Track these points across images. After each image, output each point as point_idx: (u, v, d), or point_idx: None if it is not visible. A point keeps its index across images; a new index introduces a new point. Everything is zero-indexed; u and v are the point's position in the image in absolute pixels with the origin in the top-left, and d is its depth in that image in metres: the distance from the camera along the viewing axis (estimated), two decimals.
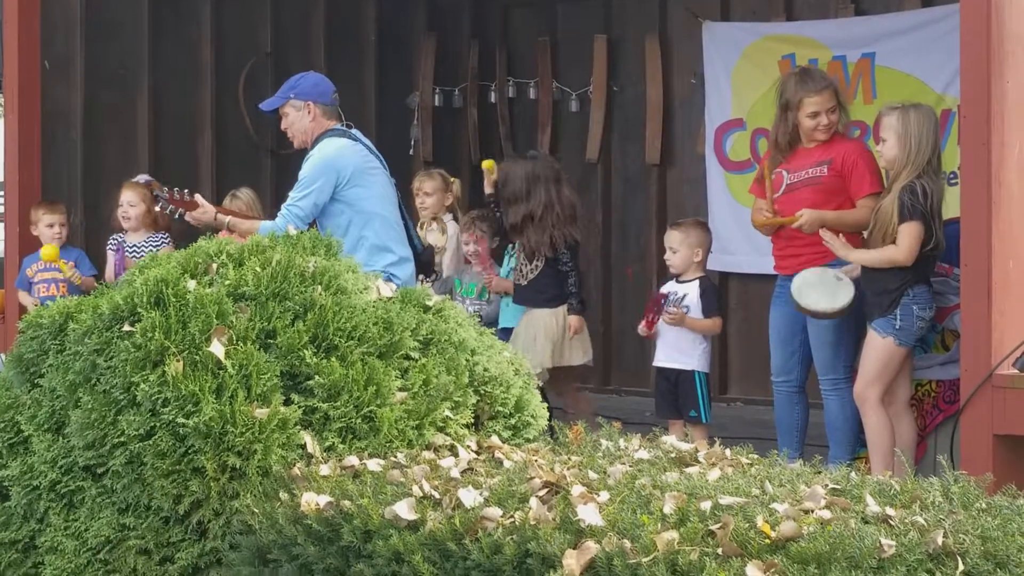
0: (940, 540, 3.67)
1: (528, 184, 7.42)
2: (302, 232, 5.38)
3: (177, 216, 6.84)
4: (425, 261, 7.10)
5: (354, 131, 6.88)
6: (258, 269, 4.76)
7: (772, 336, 6.74)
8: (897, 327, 6.07)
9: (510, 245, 7.81)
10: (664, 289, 7.11)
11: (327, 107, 6.81)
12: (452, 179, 8.32)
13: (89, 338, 4.60)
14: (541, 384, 7.05)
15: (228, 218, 6.83)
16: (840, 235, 6.25)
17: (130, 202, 8.04)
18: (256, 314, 4.63)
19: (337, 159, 6.66)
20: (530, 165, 7.55)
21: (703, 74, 9.83)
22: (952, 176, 7.81)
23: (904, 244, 6.00)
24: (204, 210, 6.78)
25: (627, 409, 9.21)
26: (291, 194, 6.69)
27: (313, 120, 6.77)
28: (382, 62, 10.64)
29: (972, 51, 5.52)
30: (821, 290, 6.27)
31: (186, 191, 6.81)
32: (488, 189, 7.68)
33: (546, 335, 7.37)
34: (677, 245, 7.03)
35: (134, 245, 8.01)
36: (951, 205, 6.36)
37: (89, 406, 4.45)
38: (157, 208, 6.83)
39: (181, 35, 9.59)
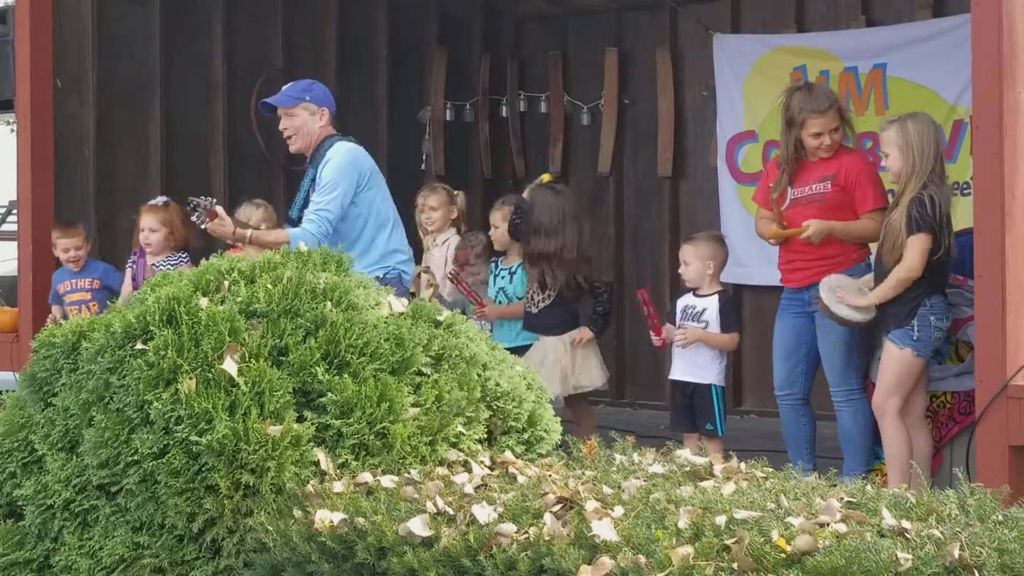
0: (957, 553, 3.65)
1: (561, 220, 7.41)
2: (312, 249, 5.38)
3: (204, 226, 6.84)
4: None
5: (349, 137, 7.11)
6: (269, 286, 4.76)
7: (776, 349, 6.72)
8: (915, 338, 6.05)
9: (494, 263, 7.78)
10: (682, 302, 7.08)
11: (332, 117, 7.04)
12: (456, 192, 8.33)
13: (102, 357, 4.61)
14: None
15: (249, 232, 6.87)
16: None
17: (151, 227, 8.03)
18: (268, 331, 4.63)
19: (357, 162, 6.87)
20: (562, 200, 7.53)
21: (714, 86, 9.82)
22: (965, 186, 7.79)
23: (908, 258, 5.99)
24: (223, 222, 6.77)
25: (641, 423, 9.19)
26: (316, 199, 6.79)
27: (323, 126, 6.95)
28: (394, 76, 10.65)
29: (983, 61, 5.50)
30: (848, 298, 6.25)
31: (213, 200, 6.86)
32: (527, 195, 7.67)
33: (555, 362, 7.36)
34: (689, 258, 7.01)
35: (152, 265, 8.02)
36: (964, 215, 6.34)
37: (102, 425, 4.45)
38: (193, 217, 6.79)
39: (193, 51, 9.60)
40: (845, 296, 6.22)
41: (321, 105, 6.96)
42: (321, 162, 6.89)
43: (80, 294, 8.10)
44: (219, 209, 6.81)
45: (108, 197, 9.09)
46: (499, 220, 7.73)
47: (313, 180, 6.93)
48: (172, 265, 7.90)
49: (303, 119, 6.94)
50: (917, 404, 6.18)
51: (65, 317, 8.07)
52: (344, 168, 6.80)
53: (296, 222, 6.92)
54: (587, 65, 10.58)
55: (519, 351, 7.10)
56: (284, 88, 7.11)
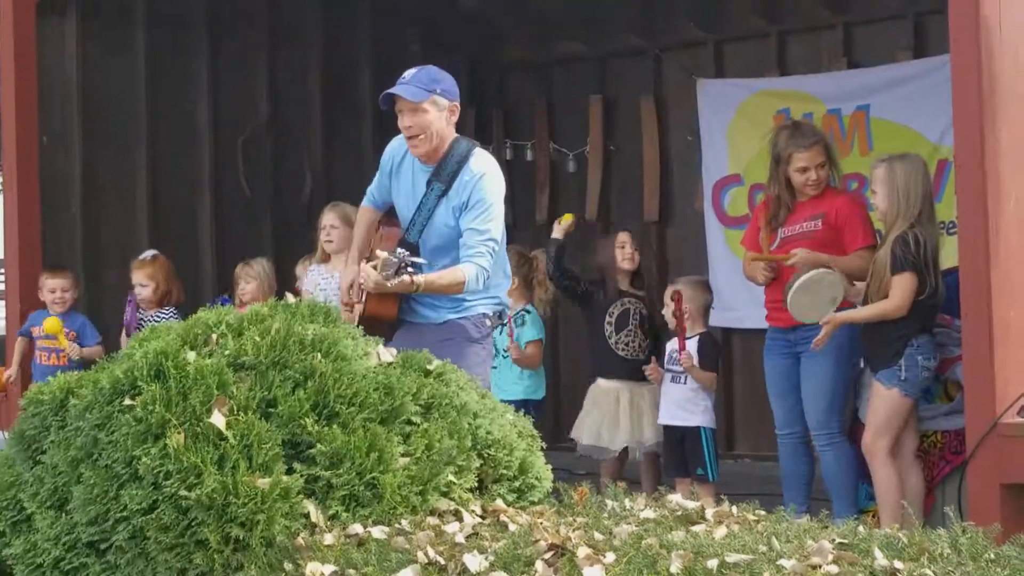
0: None
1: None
2: (299, 301, 5.01)
3: (388, 282, 5.54)
4: None
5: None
6: (257, 338, 4.75)
7: (770, 389, 6.73)
8: (902, 378, 6.06)
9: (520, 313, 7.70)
10: (669, 346, 7.11)
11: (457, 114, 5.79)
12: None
13: (90, 413, 4.59)
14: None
15: (423, 278, 5.56)
16: None
17: (140, 282, 8.05)
18: (256, 383, 4.62)
19: (502, 178, 5.75)
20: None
21: (699, 131, 9.87)
22: (951, 225, 7.81)
23: (894, 296, 6.02)
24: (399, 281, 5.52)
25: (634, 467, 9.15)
26: (477, 225, 5.61)
27: (450, 126, 5.73)
28: (380, 127, 10.65)
29: (964, 102, 5.54)
30: (813, 303, 6.25)
31: (404, 253, 5.54)
32: (557, 234, 7.61)
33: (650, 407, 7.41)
34: (668, 300, 7.06)
35: (141, 320, 8.00)
36: (951, 254, 6.36)
37: (91, 481, 4.43)
38: (393, 277, 5.48)
39: (178, 101, 9.63)
40: (812, 300, 6.23)
41: (453, 100, 5.71)
42: (457, 174, 5.69)
43: (52, 341, 8.05)
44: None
45: (95, 250, 9.10)
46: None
47: (442, 196, 5.72)
48: (161, 319, 7.89)
49: (431, 116, 5.66)
50: (907, 444, 6.18)
51: (28, 354, 8.05)
52: (501, 188, 5.67)
53: (415, 247, 5.74)
54: (572, 112, 10.63)
55: (519, 405, 7.07)
56: (408, 75, 5.77)
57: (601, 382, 7.52)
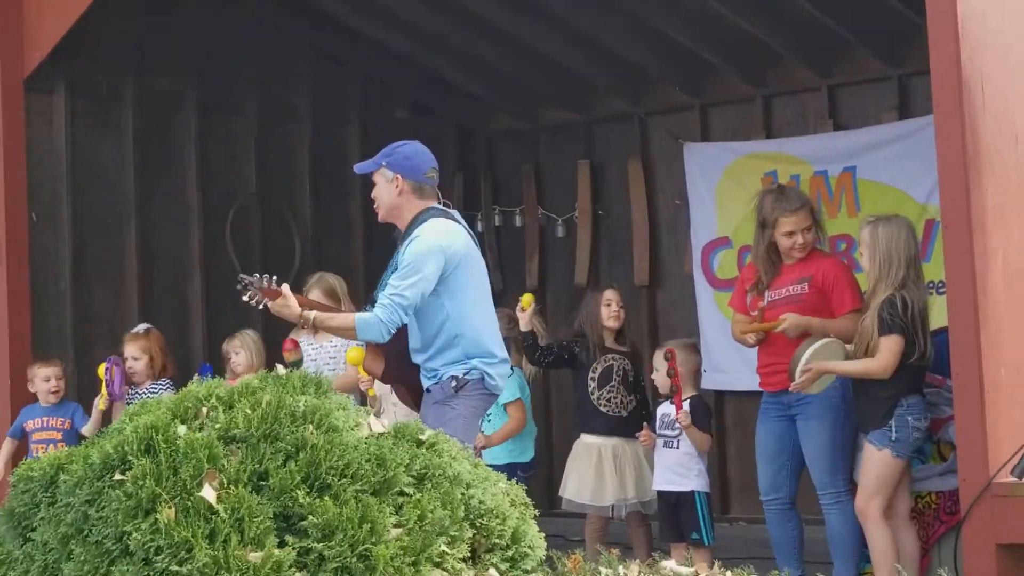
0: None
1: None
2: (381, 339, 5.42)
3: (260, 306, 6.06)
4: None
5: (453, 212, 6.24)
6: (248, 411, 4.73)
7: (759, 453, 6.72)
8: (893, 439, 6.05)
9: None
10: (660, 410, 7.11)
11: (419, 184, 6.09)
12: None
13: (80, 489, 4.56)
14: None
15: (314, 313, 6.00)
16: None
17: (133, 355, 8.03)
18: (247, 456, 4.60)
19: (447, 244, 5.95)
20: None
21: (687, 194, 9.91)
22: (940, 285, 7.83)
23: (881, 357, 6.02)
24: (287, 301, 5.97)
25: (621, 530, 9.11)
26: (393, 281, 5.93)
27: (400, 195, 6.06)
28: (368, 200, 10.55)
29: (949, 162, 5.58)
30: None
31: (273, 278, 6.04)
32: (525, 327, 7.48)
33: (639, 465, 7.48)
34: (659, 364, 7.06)
35: (135, 394, 7.96)
36: (940, 314, 6.37)
37: (82, 558, 4.39)
38: (245, 298, 6.02)
39: (167, 179, 9.65)
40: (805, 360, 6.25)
41: (396, 171, 6.05)
42: (407, 239, 6.01)
43: (50, 432, 7.98)
44: (284, 287, 6.01)
45: (85, 329, 9.05)
46: None
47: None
48: (155, 393, 7.85)
49: (380, 187, 6.10)
50: (901, 505, 6.16)
51: (20, 454, 7.91)
52: (427, 250, 5.89)
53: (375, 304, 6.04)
54: (560, 178, 10.68)
55: (505, 468, 7.06)
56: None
57: (585, 438, 7.55)
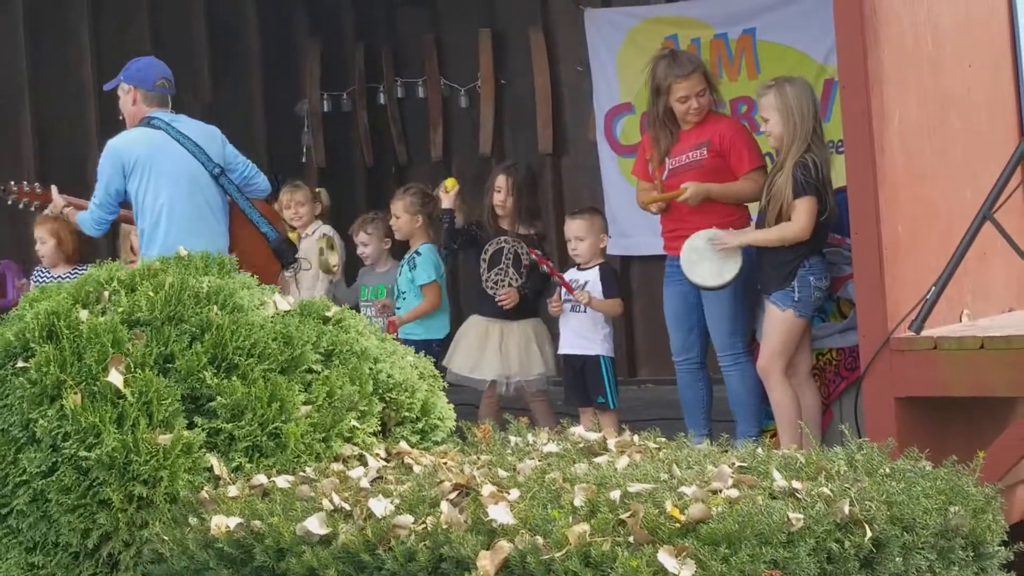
0: (847, 509, 3.74)
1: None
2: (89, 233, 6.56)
3: (32, 209, 7.04)
4: (280, 251, 6.95)
5: (179, 118, 6.82)
6: (151, 293, 4.71)
7: (668, 316, 6.79)
8: (796, 299, 6.13)
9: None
10: (566, 277, 7.13)
11: (149, 93, 6.78)
12: (318, 189, 8.38)
13: None
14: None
15: (68, 208, 6.95)
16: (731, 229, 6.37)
17: (40, 238, 7.93)
18: (152, 339, 4.58)
19: (119, 150, 6.66)
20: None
21: (588, 61, 9.87)
22: (840, 144, 7.89)
23: (799, 220, 6.07)
24: (55, 204, 6.93)
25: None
26: None
27: (135, 104, 6.79)
28: (267, 71, 10.56)
29: (846, 21, 5.57)
30: (709, 264, 6.34)
31: (36, 185, 7.01)
32: (446, 204, 7.59)
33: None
34: (584, 234, 7.06)
35: (56, 277, 7.85)
36: (841, 174, 6.42)
37: None
38: (8, 203, 7.01)
39: (61, 59, 9.43)
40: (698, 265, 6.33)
41: (131, 83, 6.80)
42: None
43: None
44: (53, 190, 6.95)
45: None
46: (400, 210, 7.71)
47: None
48: (72, 278, 7.75)
49: (122, 100, 6.85)
50: (802, 364, 6.27)
51: None
52: (104, 155, 6.71)
53: None
54: (461, 47, 10.57)
55: (422, 344, 7.11)
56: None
57: (473, 317, 7.61)
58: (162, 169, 6.61)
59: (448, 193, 7.60)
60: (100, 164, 6.70)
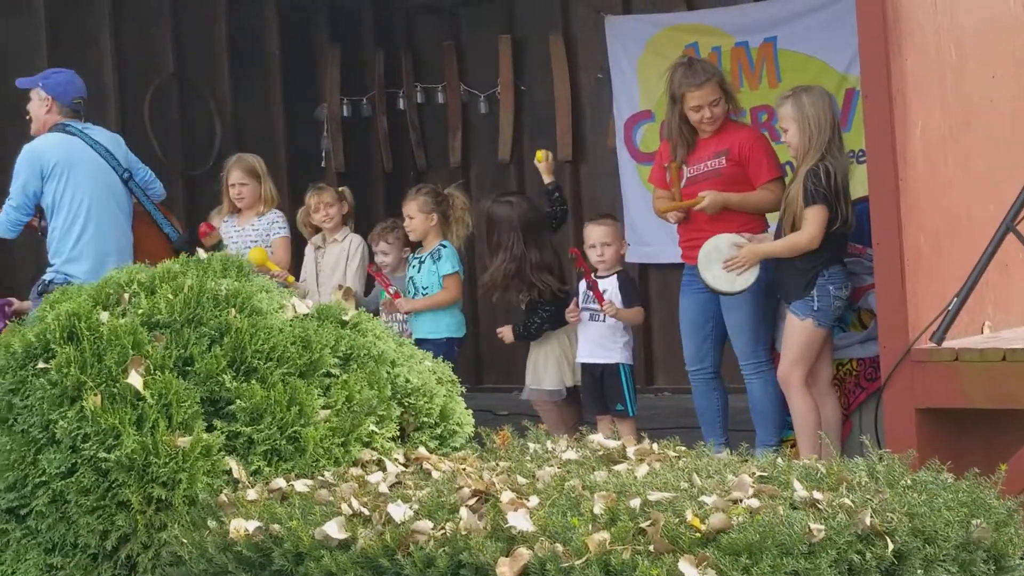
0: (868, 520, 3.71)
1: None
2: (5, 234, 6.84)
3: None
4: (182, 250, 6.95)
5: (88, 127, 7.25)
6: (170, 296, 4.71)
7: (683, 325, 6.78)
8: (815, 308, 6.12)
9: (411, 254, 7.72)
10: (583, 285, 7.11)
11: (65, 107, 7.23)
12: (341, 189, 8.32)
13: (3, 378, 4.54)
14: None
15: None
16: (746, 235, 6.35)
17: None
18: (172, 342, 4.58)
19: (41, 153, 7.05)
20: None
21: (609, 68, 9.86)
22: (861, 154, 7.87)
23: (807, 229, 6.07)
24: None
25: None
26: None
27: (48, 112, 7.21)
28: (287, 76, 10.57)
29: (869, 30, 5.55)
30: (724, 267, 6.33)
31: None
32: (547, 179, 7.58)
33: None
34: (611, 239, 7.03)
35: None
36: (861, 183, 6.40)
37: (8, 447, 4.39)
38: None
39: (82, 62, 9.43)
40: (715, 265, 6.30)
41: (49, 94, 7.19)
42: None
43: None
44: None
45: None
46: (413, 210, 7.66)
47: None
48: None
49: (34, 104, 7.24)
50: (823, 373, 6.25)
51: None
52: (21, 158, 7.08)
53: None
54: (481, 53, 10.57)
55: (444, 344, 7.10)
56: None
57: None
58: (80, 173, 7.08)
59: (543, 164, 7.57)
60: (17, 167, 7.07)
